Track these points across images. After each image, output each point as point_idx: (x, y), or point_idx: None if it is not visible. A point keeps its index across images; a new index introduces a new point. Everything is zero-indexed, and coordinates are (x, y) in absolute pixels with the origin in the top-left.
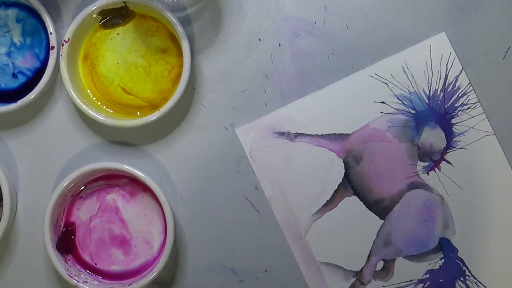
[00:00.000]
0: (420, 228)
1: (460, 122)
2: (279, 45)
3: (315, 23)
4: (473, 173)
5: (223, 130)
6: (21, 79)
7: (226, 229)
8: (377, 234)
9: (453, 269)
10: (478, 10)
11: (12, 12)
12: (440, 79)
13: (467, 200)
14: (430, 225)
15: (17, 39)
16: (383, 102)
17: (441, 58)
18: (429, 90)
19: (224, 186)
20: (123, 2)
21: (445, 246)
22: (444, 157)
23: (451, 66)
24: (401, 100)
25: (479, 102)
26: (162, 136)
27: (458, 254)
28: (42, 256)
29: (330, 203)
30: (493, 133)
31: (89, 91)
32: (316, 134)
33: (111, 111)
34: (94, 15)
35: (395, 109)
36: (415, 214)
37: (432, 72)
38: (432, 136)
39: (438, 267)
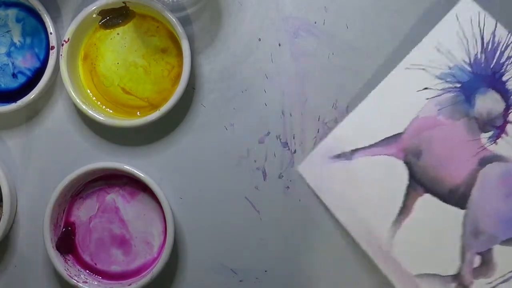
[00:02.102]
0: (508, 204)
1: None
2: (279, 45)
3: (315, 23)
4: None
5: (223, 130)
6: (21, 79)
7: (226, 229)
8: (463, 226)
9: None
10: None
11: (12, 12)
12: (476, 42)
13: None
14: None
15: (17, 39)
16: (426, 88)
17: (471, 21)
18: (469, 58)
19: (224, 186)
20: (123, 2)
21: None
22: (508, 119)
23: (484, 24)
24: (443, 79)
25: (292, 151)
26: (162, 136)
27: None
28: (42, 256)
29: (405, 209)
30: None
31: (89, 91)
32: (370, 144)
33: (111, 111)
34: (94, 15)
35: (440, 89)
36: (497, 191)
37: (467, 39)
38: (487, 102)
39: None
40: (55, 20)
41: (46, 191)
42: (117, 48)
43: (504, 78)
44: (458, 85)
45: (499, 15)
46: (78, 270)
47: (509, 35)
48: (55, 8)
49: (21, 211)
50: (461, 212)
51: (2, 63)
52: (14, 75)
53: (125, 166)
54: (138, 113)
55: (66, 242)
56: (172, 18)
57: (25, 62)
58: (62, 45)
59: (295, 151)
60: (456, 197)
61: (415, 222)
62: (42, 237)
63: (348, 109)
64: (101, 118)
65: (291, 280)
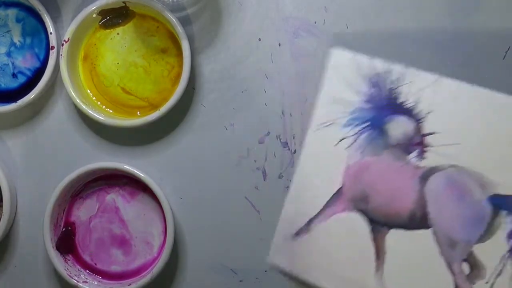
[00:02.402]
0: (464, 206)
1: (406, 94)
2: (279, 45)
3: (315, 23)
4: (456, 120)
5: (223, 130)
6: (21, 79)
7: (226, 229)
8: (438, 243)
9: None
10: (478, 10)
11: (12, 12)
12: (362, 81)
13: (474, 148)
14: (468, 196)
15: (17, 39)
16: (342, 139)
17: (348, 66)
18: (363, 96)
19: (224, 186)
20: (123, 2)
21: (500, 202)
22: (422, 133)
23: (359, 64)
24: (351, 124)
25: (405, 65)
26: (162, 136)
27: None
28: (42, 256)
29: (379, 253)
30: (438, 75)
31: (89, 91)
32: (320, 210)
33: (111, 111)
34: (94, 15)
35: (353, 135)
36: (449, 199)
37: (353, 82)
38: (398, 127)
39: (510, 229)
40: (55, 20)
41: (46, 191)
42: (117, 48)
43: (399, 101)
44: (366, 124)
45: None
46: (78, 270)
47: (385, 62)
48: (55, 8)
49: (21, 211)
50: (429, 231)
51: (2, 63)
52: (14, 75)
53: (125, 166)
54: (138, 113)
55: (66, 242)
56: (172, 18)
57: (25, 62)
58: (62, 45)
59: (295, 151)
60: (417, 221)
61: (394, 261)
62: (42, 237)
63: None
64: (101, 118)
65: (291, 280)
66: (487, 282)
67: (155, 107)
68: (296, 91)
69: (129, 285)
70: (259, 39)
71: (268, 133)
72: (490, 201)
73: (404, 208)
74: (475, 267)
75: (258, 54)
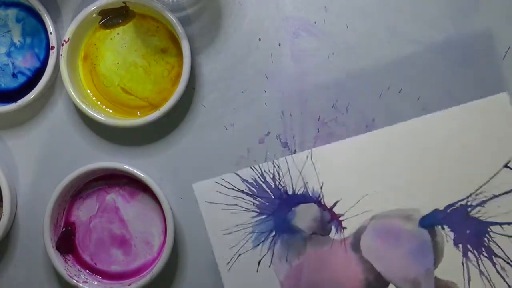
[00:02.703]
0: (404, 244)
1: (291, 183)
2: (279, 45)
3: (315, 23)
4: (347, 178)
5: (223, 130)
6: (21, 79)
7: None
8: None
9: (456, 217)
10: (478, 10)
11: (12, 12)
12: (242, 198)
13: (378, 192)
14: (402, 234)
15: (17, 39)
16: (259, 262)
17: (220, 192)
18: (253, 211)
19: None
20: (123, 2)
21: (429, 222)
22: (328, 208)
23: (229, 183)
24: (259, 242)
25: (272, 161)
26: (162, 136)
27: (440, 209)
28: (42, 256)
29: None
30: (310, 149)
31: (89, 91)
32: None
33: (111, 111)
34: (94, 15)
35: (267, 251)
36: (388, 248)
37: (234, 204)
38: (303, 217)
39: (452, 232)
40: (55, 20)
41: (46, 191)
42: (117, 48)
43: (289, 192)
44: (273, 233)
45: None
46: (78, 270)
47: (252, 168)
48: (55, 8)
49: (21, 211)
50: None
51: (2, 63)
52: (14, 75)
53: (125, 166)
54: (138, 113)
55: (66, 242)
56: (172, 18)
57: (25, 62)
58: (62, 45)
59: (295, 151)
60: (375, 285)
61: None
62: (42, 237)
63: (348, 109)
64: (101, 118)
65: None
66: None
67: (155, 107)
68: (296, 91)
69: (129, 285)
70: (259, 39)
71: (268, 133)
72: (422, 225)
73: (357, 282)
74: None
75: (258, 54)
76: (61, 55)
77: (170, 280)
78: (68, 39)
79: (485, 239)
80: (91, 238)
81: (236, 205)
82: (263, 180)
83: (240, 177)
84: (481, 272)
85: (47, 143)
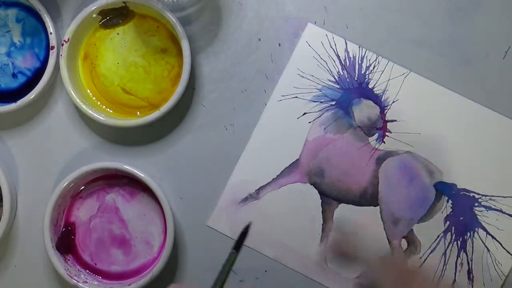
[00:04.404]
0: (412, 189)
1: (376, 82)
2: (279, 45)
3: (315, 23)
4: (418, 113)
5: (223, 130)
6: (21, 79)
7: None
8: (382, 220)
9: (463, 202)
10: (478, 10)
11: (12, 12)
12: (334, 61)
13: (430, 138)
14: (417, 180)
15: (17, 39)
16: (305, 113)
17: (322, 44)
18: (333, 76)
19: (224, 186)
20: (123, 2)
21: (443, 189)
22: (385, 119)
23: (335, 44)
24: (317, 101)
25: (377, 55)
26: (162, 136)
27: (458, 187)
28: (42, 256)
29: (327, 224)
30: (409, 70)
31: (89, 91)
32: (272, 179)
33: (111, 111)
34: (94, 15)
35: (318, 111)
36: (399, 181)
37: (324, 60)
38: (363, 110)
39: (451, 209)
40: (55, 20)
41: (46, 191)
42: (117, 48)
43: (370, 86)
44: (333, 103)
45: (345, 34)
46: (78, 270)
47: (360, 48)
48: (55, 8)
49: (21, 211)
50: (376, 209)
51: (2, 63)
52: (14, 75)
53: (125, 166)
54: (138, 113)
55: (66, 242)
56: (172, 18)
57: (25, 62)
58: (62, 45)
59: None
60: (368, 198)
61: (341, 232)
62: (42, 237)
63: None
64: (101, 118)
65: (291, 280)
66: (420, 257)
67: (155, 107)
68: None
69: (129, 285)
70: (259, 39)
71: None
72: (435, 187)
73: (357, 185)
74: (412, 243)
75: (258, 54)
76: (61, 55)
77: (170, 280)
78: (68, 39)
79: (469, 233)
80: (91, 238)
81: (325, 62)
82: (360, 62)
83: (346, 45)
84: (445, 253)
85: (47, 143)
